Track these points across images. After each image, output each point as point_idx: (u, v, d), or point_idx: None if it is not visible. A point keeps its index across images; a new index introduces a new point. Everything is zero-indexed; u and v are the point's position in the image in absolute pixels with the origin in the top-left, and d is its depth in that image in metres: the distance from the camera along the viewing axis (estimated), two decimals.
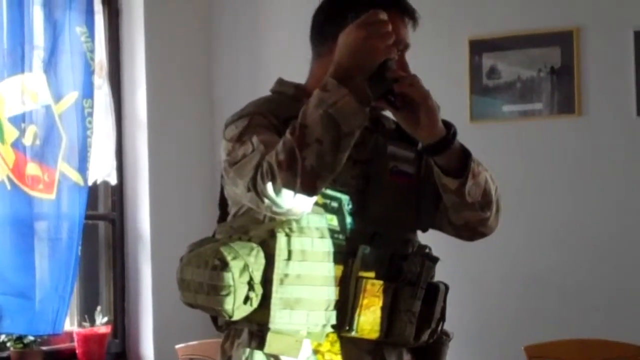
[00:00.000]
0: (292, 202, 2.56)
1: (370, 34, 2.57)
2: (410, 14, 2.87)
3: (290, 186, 2.53)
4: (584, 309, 5.35)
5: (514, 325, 5.37)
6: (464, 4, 5.57)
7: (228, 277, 2.67)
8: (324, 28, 2.89)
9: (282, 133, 2.65)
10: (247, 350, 2.76)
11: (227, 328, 2.86)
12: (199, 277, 2.72)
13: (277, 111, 2.80)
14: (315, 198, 2.61)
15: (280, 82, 2.96)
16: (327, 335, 2.76)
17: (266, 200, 2.57)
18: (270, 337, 2.71)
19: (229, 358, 2.84)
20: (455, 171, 2.78)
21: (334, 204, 2.75)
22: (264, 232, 2.69)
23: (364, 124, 2.59)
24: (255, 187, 2.59)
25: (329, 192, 2.74)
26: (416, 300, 2.80)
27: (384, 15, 2.60)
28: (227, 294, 2.67)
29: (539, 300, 5.43)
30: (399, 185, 2.86)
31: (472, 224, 2.90)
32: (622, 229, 5.38)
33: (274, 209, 2.58)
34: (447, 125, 2.75)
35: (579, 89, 5.46)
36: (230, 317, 2.70)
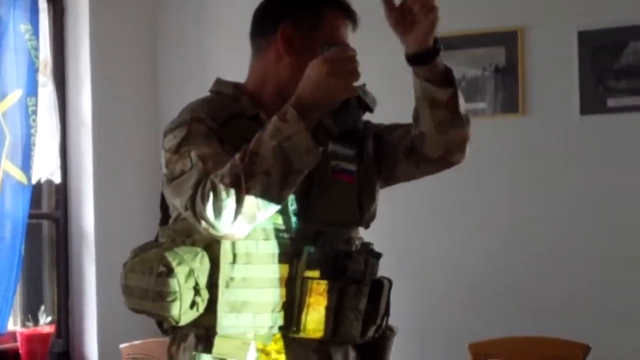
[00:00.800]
0: (230, 227, 2.57)
1: (334, 71, 2.56)
2: (351, 16, 2.89)
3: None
4: (527, 307, 5.38)
5: (458, 322, 5.38)
6: None
7: (174, 283, 2.66)
8: (263, 23, 2.91)
9: (221, 136, 2.70)
10: (194, 353, 2.76)
11: (172, 332, 2.86)
12: (143, 284, 2.72)
13: (216, 113, 2.80)
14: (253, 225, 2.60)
15: (219, 81, 2.96)
16: (273, 336, 2.77)
17: (203, 222, 2.56)
18: (217, 340, 2.71)
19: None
20: (439, 82, 2.80)
21: None
22: (208, 236, 2.66)
23: (315, 164, 2.60)
24: (193, 207, 2.58)
25: None
26: (362, 298, 2.82)
27: (353, 52, 2.60)
28: (173, 300, 2.66)
29: (483, 298, 5.46)
30: (341, 184, 2.86)
31: (452, 147, 2.95)
32: (565, 228, 5.42)
33: (211, 231, 2.58)
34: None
35: (523, 89, 5.51)
36: (177, 322, 2.70)
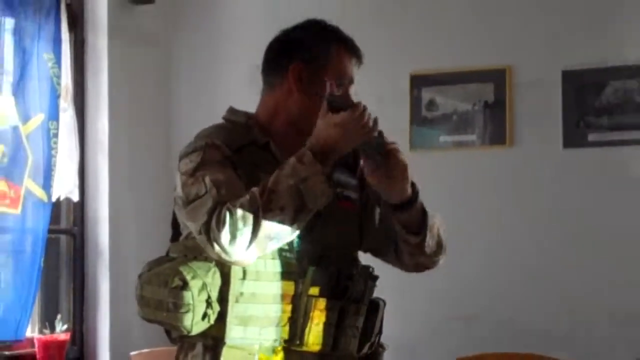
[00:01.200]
0: (243, 254, 2.58)
1: (348, 134, 2.62)
2: (356, 53, 2.91)
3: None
4: (511, 324, 5.34)
5: (446, 337, 5.37)
6: (407, 42, 5.53)
7: (188, 295, 2.66)
8: (275, 60, 2.90)
9: (235, 162, 2.71)
10: None
11: (180, 341, 2.85)
12: (159, 295, 2.72)
13: (230, 140, 2.79)
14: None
15: (232, 110, 2.95)
16: (275, 348, 2.77)
17: (217, 247, 2.57)
18: (225, 351, 2.71)
19: None
20: (415, 226, 2.84)
21: None
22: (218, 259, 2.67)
23: (326, 204, 2.64)
24: (207, 233, 2.58)
25: None
26: (360, 316, 2.86)
27: (361, 109, 2.63)
28: (187, 311, 2.66)
29: (470, 315, 5.42)
30: (344, 210, 2.87)
31: (423, 266, 2.99)
32: (547, 251, 5.38)
33: (223, 256, 2.58)
34: (412, 185, 2.81)
35: (510, 122, 5.47)
36: (189, 332, 2.70)
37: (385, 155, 2.75)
